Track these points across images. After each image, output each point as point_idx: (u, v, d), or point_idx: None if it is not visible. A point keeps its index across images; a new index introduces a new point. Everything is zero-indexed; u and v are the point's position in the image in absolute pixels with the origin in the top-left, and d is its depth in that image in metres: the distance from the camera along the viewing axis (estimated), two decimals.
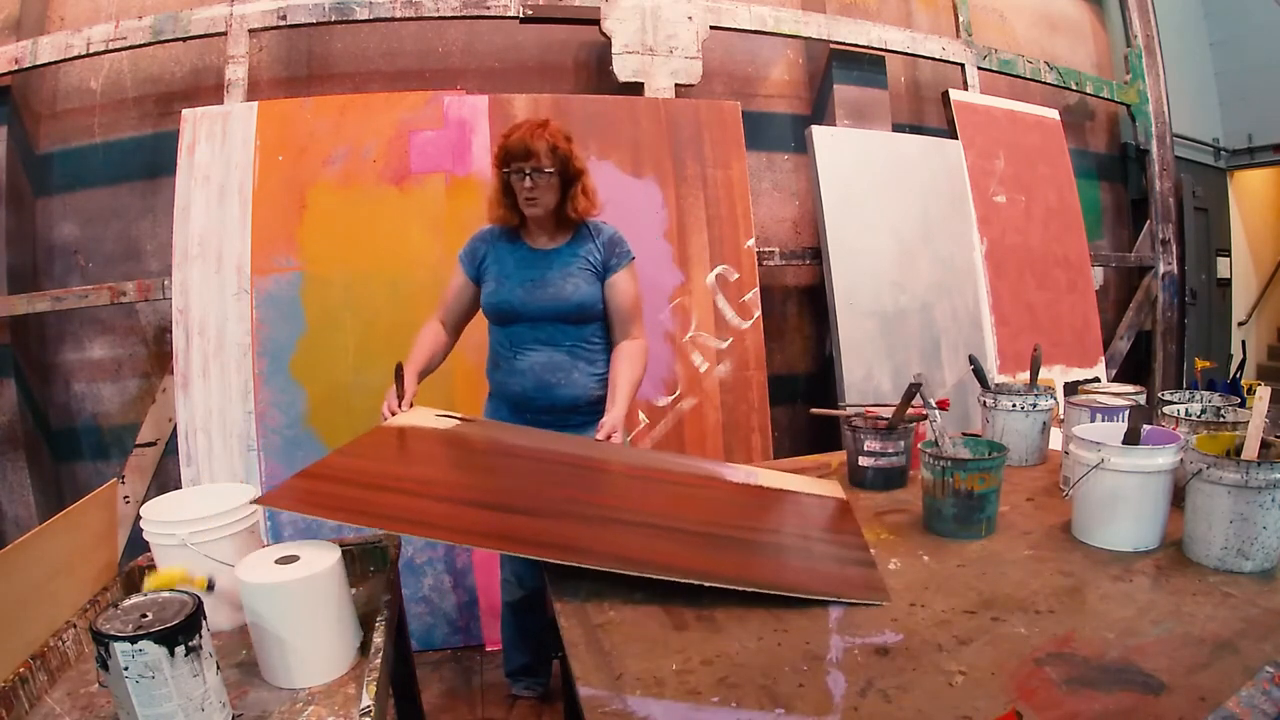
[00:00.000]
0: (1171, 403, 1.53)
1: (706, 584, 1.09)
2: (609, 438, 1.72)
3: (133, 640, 0.83)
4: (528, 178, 1.72)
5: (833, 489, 1.61)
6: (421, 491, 1.32)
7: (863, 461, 1.59)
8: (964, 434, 1.73)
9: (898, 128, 3.48)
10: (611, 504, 1.42)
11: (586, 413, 1.84)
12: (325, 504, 1.17)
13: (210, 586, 1.07)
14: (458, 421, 1.69)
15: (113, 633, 0.84)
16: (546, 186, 1.75)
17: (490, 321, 1.88)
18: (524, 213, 1.79)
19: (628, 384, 1.80)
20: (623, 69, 2.96)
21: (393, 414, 1.68)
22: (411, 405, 1.73)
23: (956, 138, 3.37)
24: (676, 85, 3.00)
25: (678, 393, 2.77)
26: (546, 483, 1.48)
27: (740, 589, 1.09)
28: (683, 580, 1.10)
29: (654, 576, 1.10)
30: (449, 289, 1.93)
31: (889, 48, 3.39)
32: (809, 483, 1.65)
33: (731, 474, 1.63)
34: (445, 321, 1.93)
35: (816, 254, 3.10)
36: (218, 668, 0.92)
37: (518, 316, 1.81)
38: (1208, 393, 1.59)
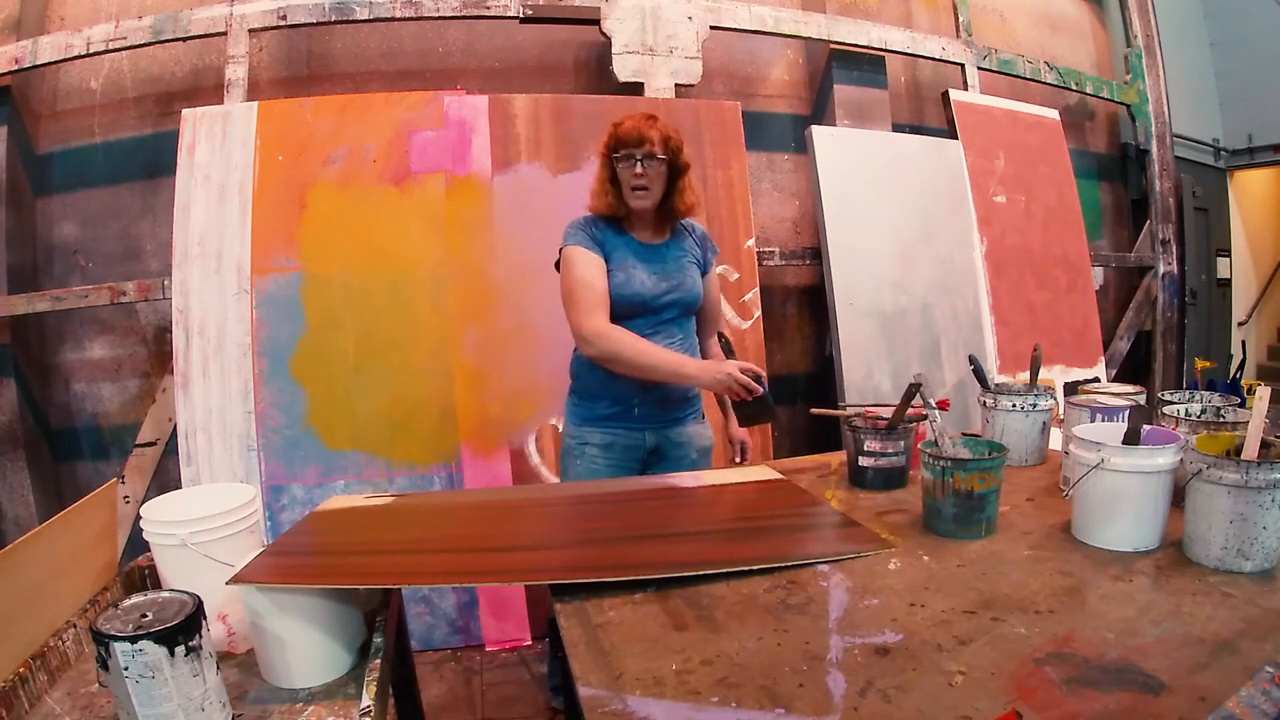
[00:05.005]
0: (1171, 403, 1.53)
1: (720, 571, 1.12)
2: (742, 444, 2.01)
3: (133, 640, 0.83)
4: (639, 164, 1.69)
5: (770, 473, 1.68)
6: (406, 549, 1.31)
7: (863, 461, 1.59)
8: (964, 434, 1.72)
9: (898, 128, 3.48)
10: (597, 526, 1.43)
11: (690, 406, 1.87)
12: (316, 574, 1.11)
13: None
14: (393, 498, 1.68)
15: (113, 633, 0.84)
16: (656, 176, 1.71)
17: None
18: (630, 204, 1.73)
19: None
20: (623, 69, 2.96)
21: (756, 376, 1.62)
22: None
23: (956, 138, 3.37)
24: (676, 85, 3.00)
25: None
26: (527, 522, 1.49)
27: (752, 569, 1.14)
28: (697, 573, 1.12)
29: (672, 575, 1.12)
30: (590, 278, 1.69)
31: (889, 48, 3.39)
32: (746, 472, 1.73)
33: (681, 481, 1.66)
34: (609, 317, 1.70)
35: (816, 254, 3.10)
36: (218, 668, 0.92)
37: (645, 308, 1.74)
38: (1208, 393, 1.58)
